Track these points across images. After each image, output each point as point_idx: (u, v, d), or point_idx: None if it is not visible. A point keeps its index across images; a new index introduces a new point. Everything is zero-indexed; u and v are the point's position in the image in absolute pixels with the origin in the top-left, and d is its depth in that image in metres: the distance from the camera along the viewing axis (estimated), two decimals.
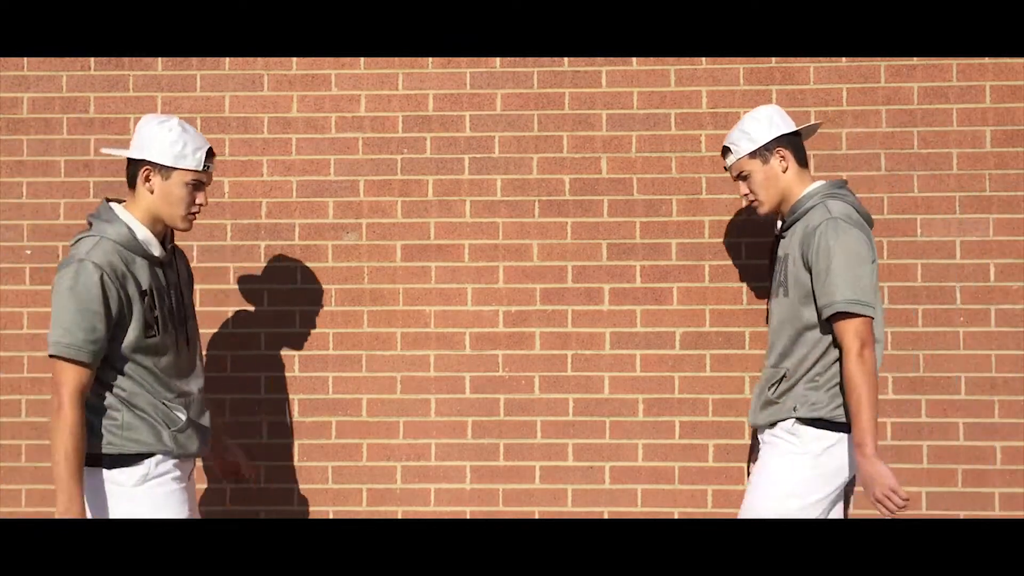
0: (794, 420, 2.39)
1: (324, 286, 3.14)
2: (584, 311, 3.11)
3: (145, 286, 2.28)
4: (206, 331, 3.12)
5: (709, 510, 3.06)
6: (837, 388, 2.38)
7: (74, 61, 3.18)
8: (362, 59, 3.16)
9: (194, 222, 2.42)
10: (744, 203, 2.89)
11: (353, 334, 3.13)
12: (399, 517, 3.11)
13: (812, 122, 2.60)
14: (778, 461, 2.43)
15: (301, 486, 3.10)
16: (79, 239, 2.29)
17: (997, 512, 3.01)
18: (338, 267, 3.15)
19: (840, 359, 2.35)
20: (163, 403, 2.30)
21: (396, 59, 3.14)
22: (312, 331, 3.14)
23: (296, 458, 3.11)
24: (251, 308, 3.14)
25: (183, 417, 2.32)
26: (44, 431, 3.13)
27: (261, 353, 3.12)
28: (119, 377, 2.26)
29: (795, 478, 2.38)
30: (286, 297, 3.14)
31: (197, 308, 3.12)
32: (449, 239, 3.14)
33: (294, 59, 3.16)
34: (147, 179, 2.31)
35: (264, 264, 3.15)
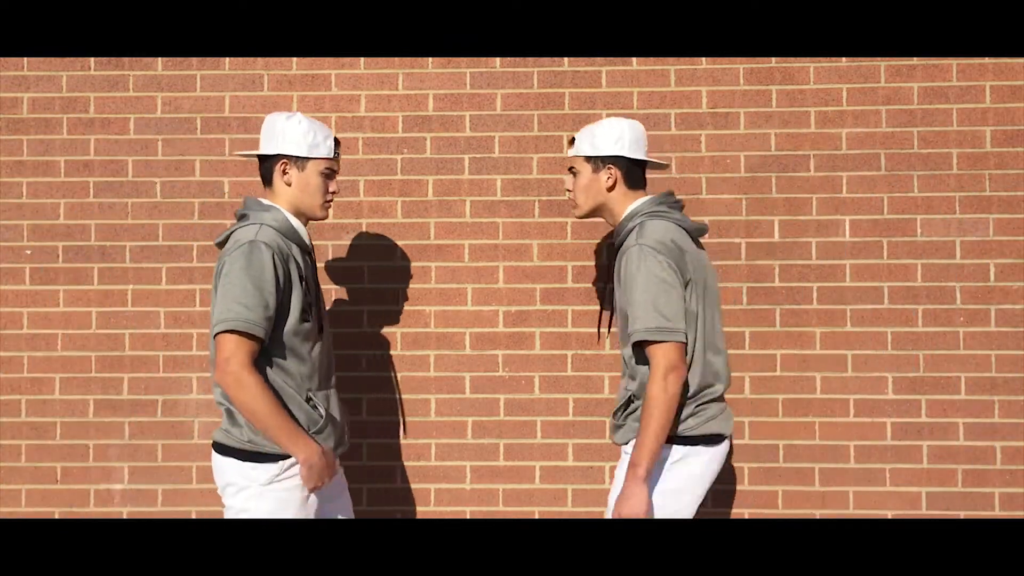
0: None
1: (324, 286, 3.14)
2: (584, 311, 3.11)
3: (303, 272, 2.33)
4: (205, 331, 3.12)
5: (709, 509, 3.06)
6: (683, 403, 2.34)
7: (74, 61, 3.18)
8: (362, 59, 3.16)
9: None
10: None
11: (354, 334, 3.13)
12: (399, 517, 3.11)
13: (661, 161, 2.55)
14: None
15: None
16: (235, 229, 2.32)
17: (997, 512, 3.01)
18: (338, 267, 3.15)
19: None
20: (307, 398, 2.32)
21: (396, 59, 3.14)
22: None
23: None
24: None
25: (323, 413, 2.33)
26: (44, 431, 3.13)
27: None
28: (270, 370, 2.28)
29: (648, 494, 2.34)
30: None
31: (196, 309, 3.13)
32: (449, 239, 3.14)
33: (294, 59, 3.16)
34: (284, 172, 2.37)
35: None
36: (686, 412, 2.35)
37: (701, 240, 2.52)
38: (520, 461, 3.10)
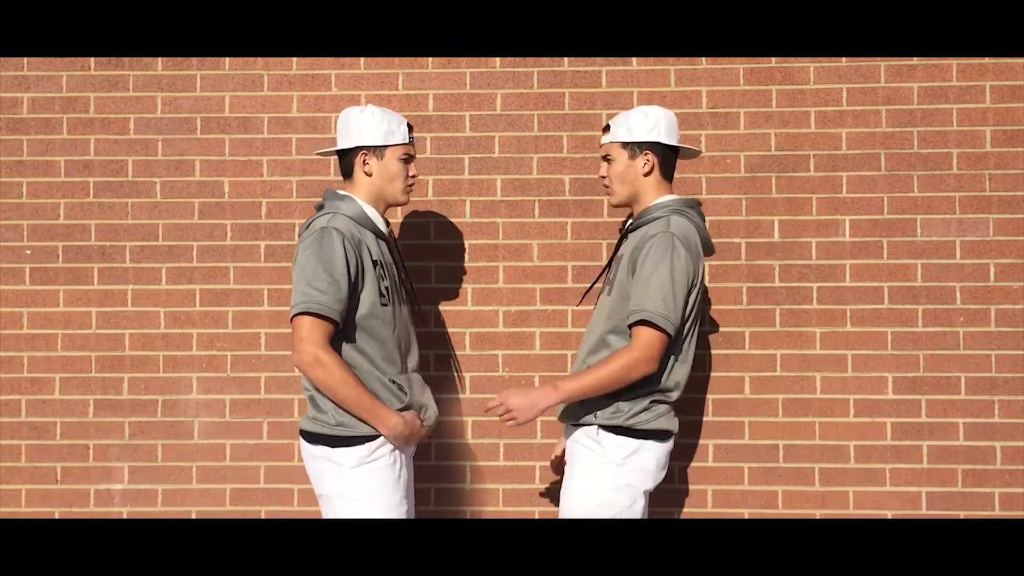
0: (597, 427, 2.40)
1: None
2: (584, 311, 3.10)
3: (375, 257, 2.41)
4: (205, 331, 3.12)
5: (709, 510, 3.06)
6: (639, 396, 2.38)
7: (74, 61, 3.18)
8: (362, 59, 3.16)
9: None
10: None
11: None
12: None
13: (693, 148, 2.61)
14: (583, 473, 2.43)
15: (302, 486, 3.10)
16: (313, 219, 2.42)
17: (997, 512, 3.01)
18: None
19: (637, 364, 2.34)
20: (390, 381, 2.39)
21: (396, 59, 3.14)
22: None
23: (296, 458, 3.10)
24: (251, 308, 3.14)
25: (405, 398, 2.41)
26: (44, 431, 3.13)
27: (261, 353, 3.12)
28: (352, 354, 2.35)
29: (601, 491, 2.39)
30: (286, 298, 3.13)
31: (196, 309, 3.13)
32: (449, 239, 3.14)
33: (294, 59, 3.16)
34: (365, 163, 2.47)
35: (264, 264, 3.15)
36: (640, 406, 2.39)
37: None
38: (520, 461, 3.10)
